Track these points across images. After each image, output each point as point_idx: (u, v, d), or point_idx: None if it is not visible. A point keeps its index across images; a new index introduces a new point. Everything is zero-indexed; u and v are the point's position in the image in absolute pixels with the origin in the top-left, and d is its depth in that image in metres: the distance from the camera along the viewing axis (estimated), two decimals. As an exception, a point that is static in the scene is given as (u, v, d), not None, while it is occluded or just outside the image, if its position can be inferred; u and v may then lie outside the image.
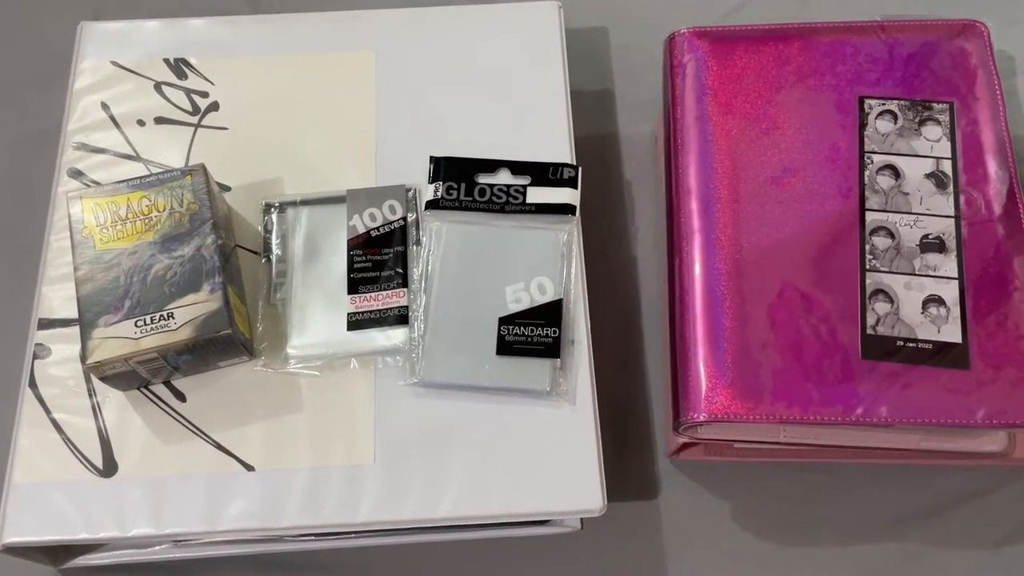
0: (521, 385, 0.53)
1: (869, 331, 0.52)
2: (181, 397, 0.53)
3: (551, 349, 0.53)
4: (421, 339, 0.53)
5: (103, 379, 0.51)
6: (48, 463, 0.52)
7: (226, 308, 0.50)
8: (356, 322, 0.54)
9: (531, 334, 0.53)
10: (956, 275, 0.54)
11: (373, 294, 0.55)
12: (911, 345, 0.52)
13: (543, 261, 0.55)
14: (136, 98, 0.61)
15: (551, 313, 0.54)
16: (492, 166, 0.58)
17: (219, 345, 0.51)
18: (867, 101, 0.58)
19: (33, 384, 0.53)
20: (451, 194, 0.57)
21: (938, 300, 0.53)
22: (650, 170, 0.68)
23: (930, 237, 0.55)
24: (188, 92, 0.61)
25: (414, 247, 0.56)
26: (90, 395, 0.53)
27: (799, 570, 0.56)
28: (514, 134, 0.59)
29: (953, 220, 0.55)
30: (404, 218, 0.56)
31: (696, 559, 0.57)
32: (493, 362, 0.53)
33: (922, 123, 0.58)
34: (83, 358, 0.49)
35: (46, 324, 0.55)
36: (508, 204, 0.57)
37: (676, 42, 0.62)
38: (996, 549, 0.56)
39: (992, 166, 0.56)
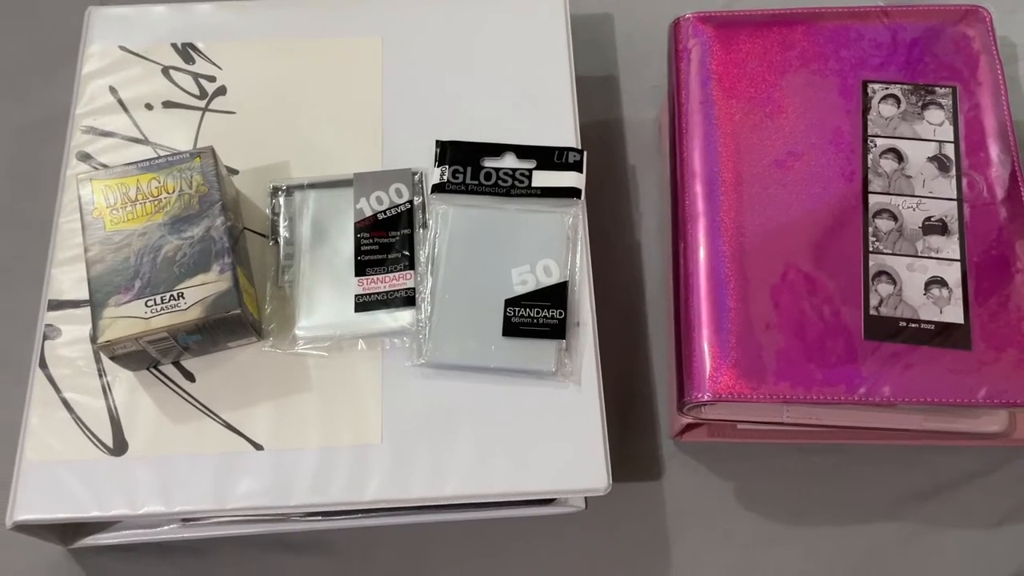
0: (527, 366, 0.53)
1: (872, 312, 0.53)
2: (190, 377, 0.54)
3: (556, 330, 0.54)
4: (428, 320, 0.54)
5: (113, 359, 0.52)
6: (59, 442, 0.52)
7: (235, 288, 0.51)
8: (363, 304, 0.55)
9: (537, 316, 0.54)
10: (958, 257, 0.54)
11: (380, 276, 0.55)
12: (913, 326, 0.52)
13: (548, 244, 0.56)
14: (144, 82, 0.61)
15: (556, 295, 0.54)
16: (498, 150, 0.58)
17: (228, 325, 0.51)
18: (870, 85, 0.59)
19: (44, 364, 0.54)
20: (457, 178, 0.57)
21: (940, 282, 0.53)
22: (654, 155, 0.68)
23: (932, 219, 0.55)
24: (196, 76, 0.62)
25: (420, 230, 0.56)
26: (100, 375, 0.54)
27: (802, 549, 0.57)
28: (519, 119, 0.60)
29: (955, 203, 0.55)
30: (410, 201, 0.57)
31: (699, 539, 0.57)
32: (499, 343, 0.53)
33: (925, 107, 0.58)
34: (94, 338, 0.50)
35: (56, 305, 0.55)
36: (514, 188, 0.57)
37: (680, 27, 0.62)
38: (996, 528, 0.57)
39: (994, 150, 0.57)
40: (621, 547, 0.58)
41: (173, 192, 0.53)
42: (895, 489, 0.58)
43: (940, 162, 0.57)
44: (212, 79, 0.62)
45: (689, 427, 0.57)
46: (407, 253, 0.55)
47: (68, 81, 0.62)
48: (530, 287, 0.55)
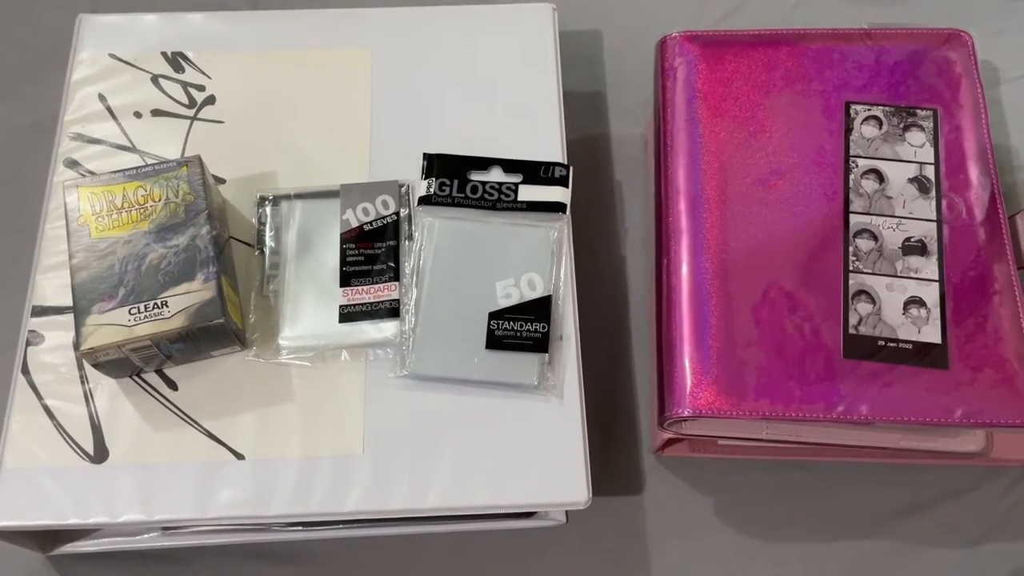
0: (509, 379, 0.53)
1: (851, 331, 0.54)
2: (173, 385, 0.54)
3: (540, 344, 0.54)
4: (412, 332, 0.54)
5: (96, 366, 0.52)
6: (39, 449, 0.52)
7: (219, 297, 0.51)
8: (348, 314, 0.55)
9: (520, 329, 0.54)
10: (937, 278, 0.55)
11: (365, 287, 0.55)
12: (892, 345, 0.53)
13: (533, 258, 0.56)
14: (133, 90, 0.62)
15: (540, 309, 0.55)
16: (484, 164, 0.59)
17: (212, 334, 0.52)
18: (853, 106, 0.60)
19: (26, 370, 0.54)
20: (444, 190, 0.58)
21: (919, 302, 0.54)
22: (640, 171, 0.69)
23: (912, 240, 0.56)
24: (185, 85, 0.62)
25: (406, 242, 0.57)
26: (82, 382, 0.54)
27: (781, 566, 0.57)
28: (507, 133, 0.60)
29: (935, 224, 0.56)
30: (397, 213, 0.57)
31: (679, 554, 0.58)
32: (482, 356, 0.54)
33: (906, 129, 0.59)
34: (77, 345, 0.50)
35: (40, 311, 0.55)
36: (500, 201, 0.57)
37: (667, 46, 0.63)
38: (974, 547, 0.58)
39: (974, 172, 0.58)
40: (601, 561, 0.58)
41: (159, 200, 0.53)
42: (874, 507, 0.59)
43: (920, 183, 0.57)
44: (201, 88, 0.62)
45: (670, 442, 0.57)
46: (392, 264, 0.56)
47: (58, 87, 0.62)
48: (514, 300, 0.55)
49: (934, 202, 0.57)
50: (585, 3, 0.75)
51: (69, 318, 0.52)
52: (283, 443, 0.52)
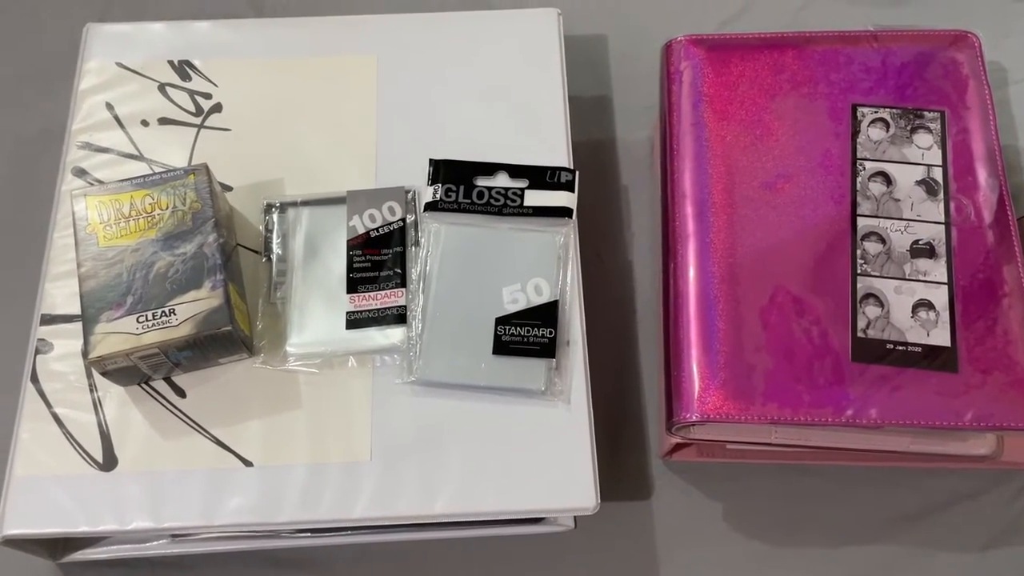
0: (517, 384, 0.53)
1: (860, 334, 0.53)
2: (181, 393, 0.54)
3: (547, 349, 0.54)
4: (419, 338, 0.54)
5: (104, 374, 0.52)
6: (49, 457, 0.52)
7: (227, 305, 0.51)
8: (355, 321, 0.55)
9: (527, 334, 0.54)
10: (946, 280, 0.54)
11: (372, 293, 0.55)
12: (901, 348, 0.53)
13: (540, 263, 0.56)
14: (140, 99, 0.62)
15: (547, 314, 0.55)
16: (490, 169, 0.59)
17: (219, 341, 0.52)
18: (860, 109, 0.59)
19: (35, 379, 0.54)
20: (450, 196, 0.58)
21: (928, 304, 0.54)
22: (646, 175, 0.69)
23: (920, 243, 0.56)
24: (192, 93, 0.62)
25: (413, 248, 0.57)
26: (91, 390, 0.54)
27: (790, 570, 0.57)
28: (513, 138, 0.60)
29: (943, 226, 0.56)
30: (403, 219, 0.57)
31: (688, 559, 0.58)
32: (489, 361, 0.54)
33: (914, 131, 0.59)
34: (85, 353, 0.50)
35: (48, 320, 0.55)
36: (506, 206, 0.57)
37: (673, 49, 0.63)
38: (983, 551, 0.57)
39: (982, 174, 0.57)
40: (610, 567, 0.58)
41: (166, 209, 0.53)
42: (883, 511, 0.58)
43: (928, 186, 0.57)
44: (208, 96, 0.62)
45: (678, 447, 0.57)
46: (399, 271, 0.56)
47: (66, 96, 0.62)
48: (521, 306, 0.55)
49: (942, 204, 0.57)
50: (590, 7, 0.75)
51: (78, 326, 0.52)
52: (291, 450, 0.52)
